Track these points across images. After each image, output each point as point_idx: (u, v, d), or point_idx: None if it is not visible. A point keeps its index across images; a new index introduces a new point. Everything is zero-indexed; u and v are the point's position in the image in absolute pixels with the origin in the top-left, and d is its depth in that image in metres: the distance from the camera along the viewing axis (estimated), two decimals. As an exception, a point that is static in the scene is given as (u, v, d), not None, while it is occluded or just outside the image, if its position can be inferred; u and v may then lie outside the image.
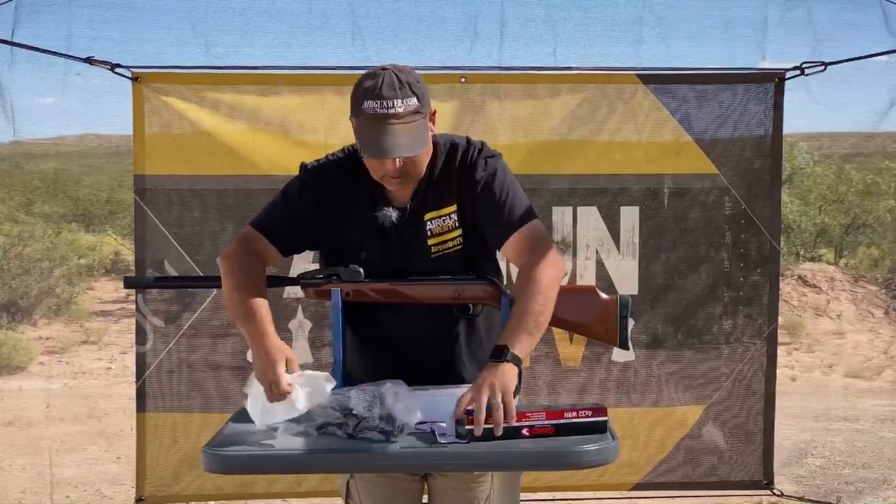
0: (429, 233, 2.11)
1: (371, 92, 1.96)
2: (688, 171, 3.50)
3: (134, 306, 3.48)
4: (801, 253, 14.05)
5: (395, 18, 3.73)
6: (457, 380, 2.10)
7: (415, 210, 2.11)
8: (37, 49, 3.35)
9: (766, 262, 3.57)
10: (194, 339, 3.44)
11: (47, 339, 10.62)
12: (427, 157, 2.07)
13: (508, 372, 1.87)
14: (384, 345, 2.17)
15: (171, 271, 3.40)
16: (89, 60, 3.36)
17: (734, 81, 3.50)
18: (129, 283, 2.40)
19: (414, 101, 1.97)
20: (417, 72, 2.00)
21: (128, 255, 13.88)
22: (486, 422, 1.81)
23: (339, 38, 3.59)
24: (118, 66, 3.37)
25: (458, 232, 2.12)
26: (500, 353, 1.89)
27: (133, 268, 3.54)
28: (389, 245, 2.12)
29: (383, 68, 2.00)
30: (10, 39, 3.31)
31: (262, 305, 2.01)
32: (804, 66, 3.45)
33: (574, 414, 1.87)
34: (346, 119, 3.36)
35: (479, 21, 3.54)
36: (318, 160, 2.19)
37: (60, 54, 3.38)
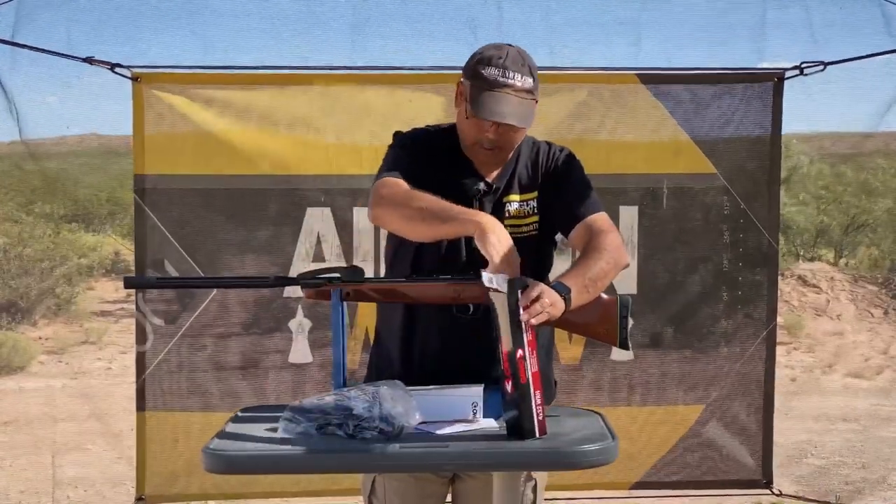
0: (507, 213, 2.16)
1: (495, 60, 2.06)
2: (686, 171, 3.51)
3: (134, 306, 3.48)
4: (801, 253, 14.04)
5: (395, 19, 3.74)
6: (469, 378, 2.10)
7: (498, 190, 2.17)
8: (37, 49, 3.35)
9: (764, 262, 3.57)
10: (194, 339, 3.44)
11: (47, 339, 10.62)
12: (519, 141, 2.16)
13: (558, 302, 1.90)
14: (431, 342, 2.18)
15: (172, 271, 3.40)
16: (89, 60, 3.36)
17: (733, 81, 3.51)
18: (129, 284, 2.39)
19: (530, 81, 2.08)
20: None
21: (128, 255, 13.86)
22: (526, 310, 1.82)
23: (338, 39, 3.60)
24: (118, 65, 3.37)
25: (535, 218, 2.19)
26: (559, 287, 1.93)
27: (133, 268, 3.54)
28: None
29: (509, 45, 2.11)
30: (10, 39, 3.31)
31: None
32: (803, 66, 3.46)
33: (539, 403, 1.85)
34: (348, 118, 3.42)
35: (477, 22, 3.55)
36: (410, 130, 2.24)
37: (60, 54, 3.39)
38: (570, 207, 2.18)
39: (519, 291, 1.85)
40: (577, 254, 2.18)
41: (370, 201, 2.12)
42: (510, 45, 2.10)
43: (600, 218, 2.17)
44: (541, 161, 2.21)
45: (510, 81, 2.04)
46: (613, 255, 2.08)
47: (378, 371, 2.25)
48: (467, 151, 2.16)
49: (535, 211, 2.19)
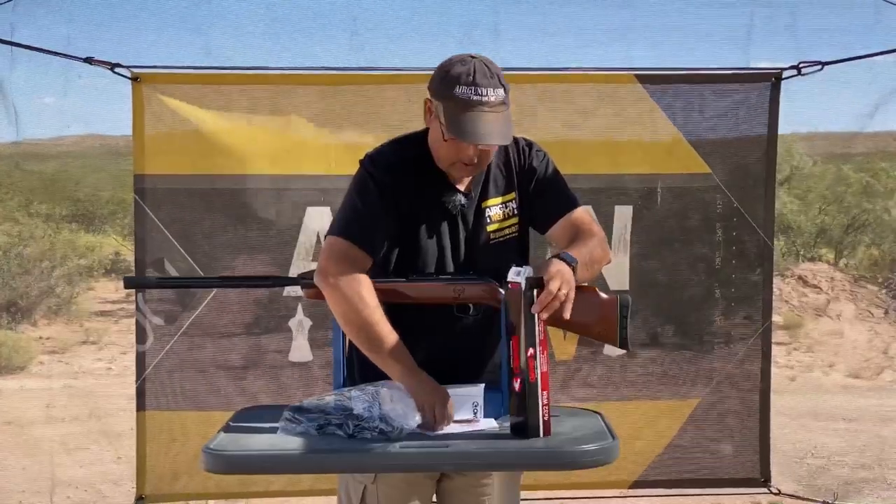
0: (488, 219, 2.16)
1: (464, 78, 1.98)
2: (682, 171, 3.51)
3: (134, 306, 3.49)
4: (801, 253, 14.02)
5: (393, 21, 3.75)
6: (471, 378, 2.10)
7: (476, 196, 2.15)
8: (37, 49, 3.35)
9: (760, 261, 3.58)
10: (194, 339, 3.44)
11: (47, 339, 10.61)
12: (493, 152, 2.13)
13: (570, 274, 1.92)
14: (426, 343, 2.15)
15: (172, 271, 3.40)
16: (89, 60, 3.36)
17: (731, 81, 3.51)
18: (129, 284, 2.40)
19: (502, 92, 2.01)
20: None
21: (128, 255, 13.85)
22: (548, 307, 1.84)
23: (337, 39, 3.61)
24: (118, 65, 3.37)
25: (515, 220, 2.19)
26: (567, 257, 1.95)
27: (133, 268, 3.55)
28: (457, 231, 2.14)
29: (472, 56, 2.03)
30: (9, 39, 3.31)
31: (396, 337, 2.01)
32: (801, 65, 3.46)
33: (546, 404, 1.87)
34: (346, 119, 3.42)
35: (477, 23, 3.56)
36: (379, 149, 2.18)
37: (60, 54, 3.39)
38: (551, 204, 2.18)
39: (535, 292, 1.85)
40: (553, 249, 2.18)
41: (321, 263, 2.06)
42: (473, 57, 2.03)
43: (583, 212, 2.20)
44: (512, 159, 2.19)
45: (484, 98, 1.98)
46: (602, 245, 2.12)
47: (362, 371, 2.18)
48: (443, 167, 2.12)
49: (515, 212, 2.19)
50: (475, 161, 2.06)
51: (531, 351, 1.83)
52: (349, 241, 2.05)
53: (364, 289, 2.02)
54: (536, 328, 1.84)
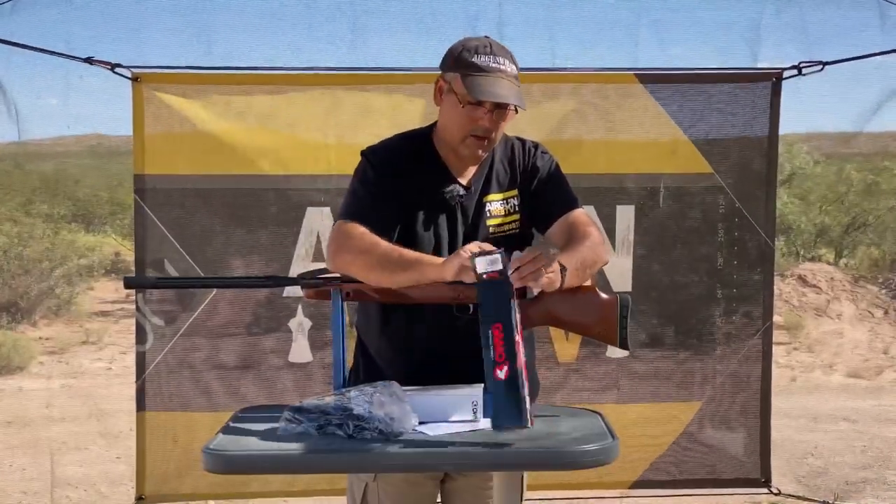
0: (488, 213, 2.18)
1: (482, 48, 2.08)
2: (684, 171, 3.51)
3: (134, 306, 3.49)
4: (801, 253, 14.01)
5: (395, 18, 3.74)
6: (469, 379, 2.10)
7: (477, 191, 2.18)
8: (37, 49, 3.35)
9: (761, 261, 3.58)
10: (194, 339, 3.44)
11: (47, 339, 10.60)
12: (503, 130, 2.16)
13: (555, 276, 1.94)
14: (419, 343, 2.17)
15: (172, 271, 3.40)
16: (89, 60, 3.36)
17: (732, 81, 3.51)
18: (129, 284, 2.39)
19: (514, 68, 2.10)
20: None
21: (128, 255, 13.84)
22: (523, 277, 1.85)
23: (339, 38, 3.60)
24: (118, 66, 3.37)
25: (516, 217, 2.21)
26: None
27: (133, 268, 3.55)
28: (455, 223, 2.16)
29: (485, 36, 2.13)
30: (10, 39, 3.31)
31: (415, 252, 2.03)
32: (801, 65, 3.46)
33: (527, 394, 1.86)
34: (347, 118, 3.42)
35: (477, 21, 3.56)
36: (381, 141, 2.22)
37: (60, 54, 3.39)
38: (550, 204, 2.20)
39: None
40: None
41: (329, 247, 2.10)
42: (486, 37, 2.12)
43: (580, 213, 2.21)
44: (517, 158, 2.22)
45: (501, 67, 2.07)
46: (596, 248, 2.12)
47: (367, 370, 2.23)
48: (454, 148, 2.15)
49: (517, 209, 2.21)
50: (490, 134, 2.09)
51: (517, 338, 1.84)
52: (350, 221, 2.08)
53: (368, 236, 2.03)
54: (514, 316, 1.84)
